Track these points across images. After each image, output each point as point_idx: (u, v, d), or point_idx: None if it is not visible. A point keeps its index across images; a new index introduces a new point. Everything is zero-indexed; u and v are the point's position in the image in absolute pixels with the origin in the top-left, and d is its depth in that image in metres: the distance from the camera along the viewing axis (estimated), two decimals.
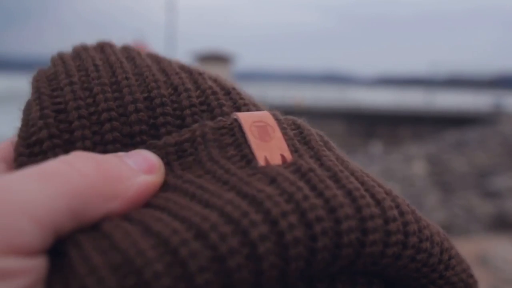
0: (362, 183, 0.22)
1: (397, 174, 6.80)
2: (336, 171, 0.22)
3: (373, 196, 0.22)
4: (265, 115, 0.26)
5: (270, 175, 0.22)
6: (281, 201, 0.20)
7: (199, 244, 0.18)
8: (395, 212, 0.22)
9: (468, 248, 3.53)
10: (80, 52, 0.29)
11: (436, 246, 0.23)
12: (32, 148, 0.23)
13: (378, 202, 0.22)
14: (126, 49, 0.29)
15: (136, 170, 0.22)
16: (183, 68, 0.29)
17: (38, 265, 0.18)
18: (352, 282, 0.23)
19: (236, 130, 0.24)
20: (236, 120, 0.25)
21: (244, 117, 0.25)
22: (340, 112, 16.67)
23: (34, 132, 0.24)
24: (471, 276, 0.26)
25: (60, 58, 0.28)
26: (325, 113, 16.28)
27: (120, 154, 0.23)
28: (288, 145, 0.24)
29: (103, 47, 0.29)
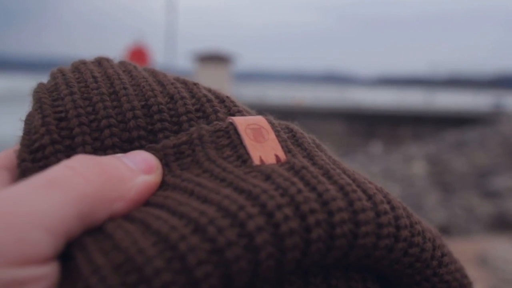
0: (354, 180, 0.24)
1: (397, 174, 6.80)
2: (328, 168, 0.24)
3: (364, 191, 0.23)
4: (259, 119, 0.27)
5: (265, 173, 0.23)
6: (276, 195, 0.21)
7: (198, 238, 0.19)
8: (386, 206, 0.23)
9: (468, 248, 3.53)
10: (79, 66, 0.30)
11: (428, 241, 0.24)
12: (35, 154, 0.24)
13: (369, 197, 0.23)
14: (123, 64, 0.31)
15: (135, 170, 0.23)
16: (178, 79, 0.30)
17: (51, 271, 0.19)
18: (346, 278, 0.24)
19: (232, 132, 0.26)
20: (231, 123, 0.26)
21: (239, 121, 0.26)
22: (340, 112, 16.66)
23: (37, 139, 0.24)
24: (466, 276, 0.27)
25: (60, 72, 0.29)
26: (325, 113, 16.28)
27: (119, 155, 0.24)
28: (282, 146, 0.25)
29: (100, 62, 0.30)
